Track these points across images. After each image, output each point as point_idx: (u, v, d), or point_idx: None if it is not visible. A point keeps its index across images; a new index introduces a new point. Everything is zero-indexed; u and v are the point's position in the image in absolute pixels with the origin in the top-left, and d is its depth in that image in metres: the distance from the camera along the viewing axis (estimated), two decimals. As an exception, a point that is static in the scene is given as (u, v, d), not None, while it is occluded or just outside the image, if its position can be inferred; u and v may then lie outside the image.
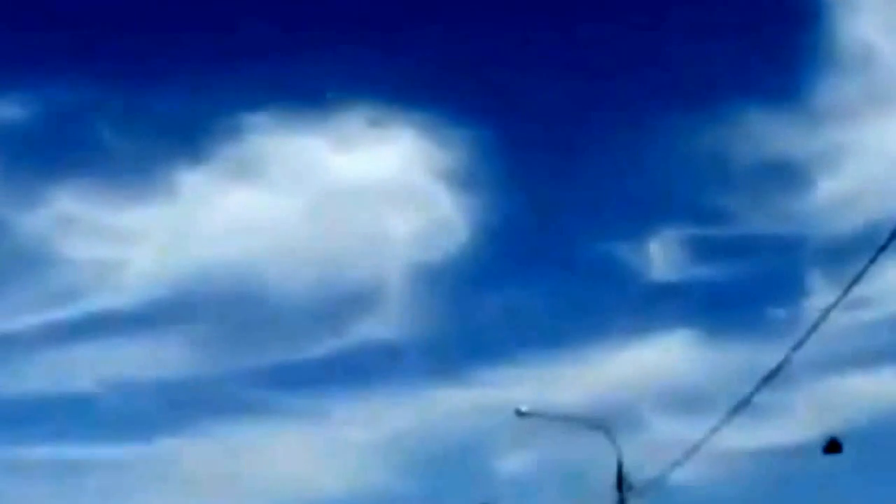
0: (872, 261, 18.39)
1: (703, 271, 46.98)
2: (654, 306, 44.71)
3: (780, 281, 44.89)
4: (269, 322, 48.17)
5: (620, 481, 26.10)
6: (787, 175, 45.47)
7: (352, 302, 48.34)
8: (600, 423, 26.82)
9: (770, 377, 22.60)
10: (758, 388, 23.07)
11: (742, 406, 23.69)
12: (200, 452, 47.24)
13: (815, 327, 20.71)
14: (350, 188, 48.28)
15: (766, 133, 45.93)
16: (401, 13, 53.11)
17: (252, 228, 48.17)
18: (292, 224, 48.85)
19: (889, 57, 43.02)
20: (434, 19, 53.02)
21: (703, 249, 46.31)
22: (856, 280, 18.90)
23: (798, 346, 21.41)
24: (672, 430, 36.84)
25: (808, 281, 42.33)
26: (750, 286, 45.87)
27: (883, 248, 17.89)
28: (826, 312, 20.25)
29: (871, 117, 42.92)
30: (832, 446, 23.78)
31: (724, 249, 46.53)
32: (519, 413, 27.74)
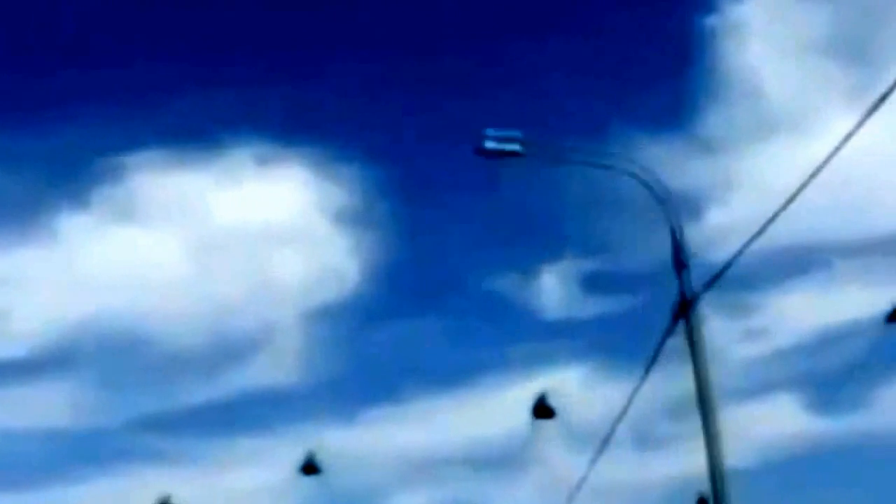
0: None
1: (594, 305, 47.11)
2: (546, 342, 44.74)
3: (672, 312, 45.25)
4: (156, 369, 45.11)
5: (678, 257, 19.87)
6: (678, 206, 45.44)
7: (240, 346, 46.39)
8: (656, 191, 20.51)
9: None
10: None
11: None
12: (88, 501, 46.41)
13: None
14: (238, 229, 46.58)
15: (653, 164, 46.27)
16: (288, 46, 52.87)
17: (137, 272, 45.87)
18: (178, 268, 46.69)
19: (776, 85, 43.71)
20: (324, 53, 52.83)
21: (592, 283, 46.39)
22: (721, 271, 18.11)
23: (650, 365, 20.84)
24: (571, 466, 37.10)
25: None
26: (641, 319, 46.05)
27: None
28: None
29: (760, 147, 43.39)
30: None
31: (614, 283, 46.72)
32: (480, 151, 19.84)
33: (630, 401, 23.93)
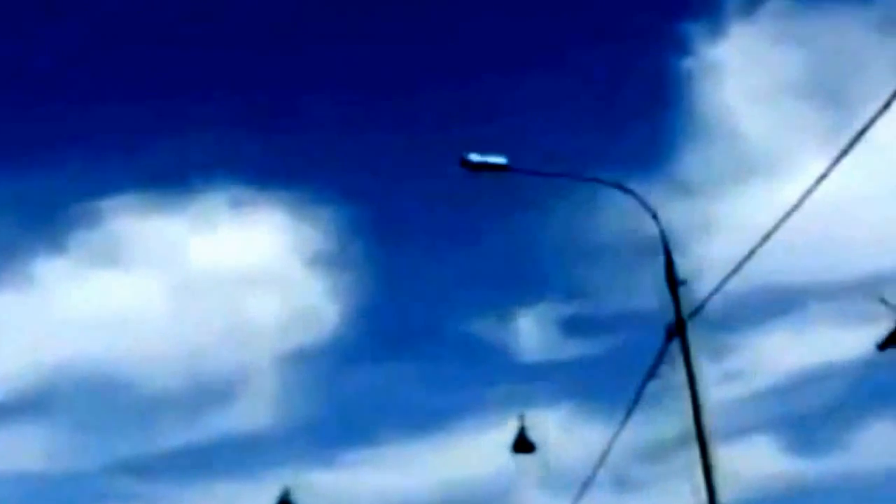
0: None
1: (573, 348, 47.08)
2: (524, 384, 44.56)
3: (652, 355, 45.04)
4: (133, 412, 45.38)
5: (670, 272, 18.40)
6: (654, 249, 45.54)
7: (217, 390, 46.08)
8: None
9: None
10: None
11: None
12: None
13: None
14: (215, 273, 46.40)
15: (630, 206, 46.23)
16: (263, 89, 53.09)
17: (114, 317, 45.65)
18: (156, 312, 46.50)
19: (752, 127, 43.89)
20: (298, 98, 53.05)
21: (572, 326, 46.28)
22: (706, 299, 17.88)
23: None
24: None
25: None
26: (621, 362, 45.86)
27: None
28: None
29: (738, 188, 43.59)
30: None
31: (594, 326, 46.52)
32: (465, 163, 18.63)
33: (611, 445, 23.76)
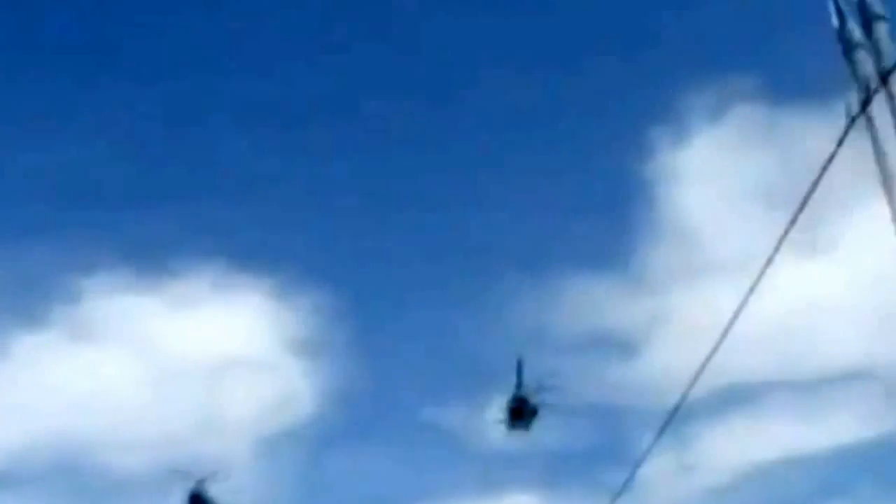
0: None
1: (537, 438, 47.95)
2: (491, 473, 45.32)
3: (614, 448, 45.95)
4: (107, 495, 44.94)
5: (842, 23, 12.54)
6: (613, 344, 44.77)
7: (192, 474, 46.71)
8: None
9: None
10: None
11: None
12: None
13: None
14: (193, 356, 46.17)
15: (592, 303, 47.30)
16: (242, 174, 53.83)
17: (90, 396, 45.06)
18: (132, 393, 45.66)
19: (708, 230, 45.05)
20: (278, 182, 53.90)
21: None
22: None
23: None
24: None
25: (640, 448, 42.79)
26: (584, 453, 46.74)
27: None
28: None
29: (695, 287, 44.72)
30: None
31: (557, 418, 47.43)
32: None
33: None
